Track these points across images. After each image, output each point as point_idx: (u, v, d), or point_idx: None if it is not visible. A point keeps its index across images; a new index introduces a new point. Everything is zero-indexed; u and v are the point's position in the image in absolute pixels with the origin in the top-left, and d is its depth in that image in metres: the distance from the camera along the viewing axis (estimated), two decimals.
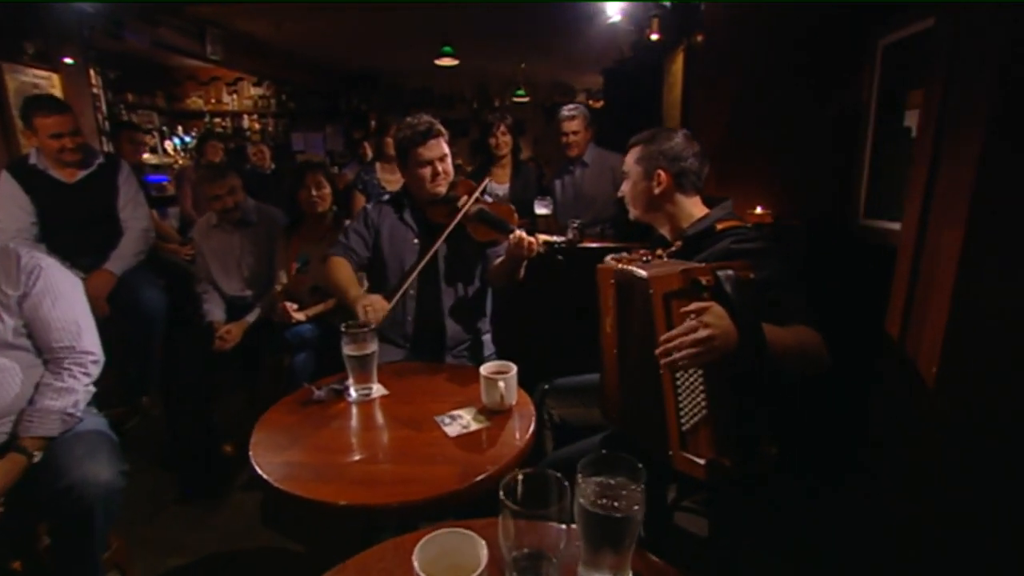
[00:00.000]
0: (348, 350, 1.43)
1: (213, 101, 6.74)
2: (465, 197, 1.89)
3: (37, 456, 1.35)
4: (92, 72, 3.16)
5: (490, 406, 1.35)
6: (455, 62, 4.95)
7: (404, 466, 1.15)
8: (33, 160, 2.37)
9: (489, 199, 2.00)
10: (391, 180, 3.10)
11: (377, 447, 1.28)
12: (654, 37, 2.85)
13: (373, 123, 7.03)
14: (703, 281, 1.15)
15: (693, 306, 1.11)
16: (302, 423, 1.35)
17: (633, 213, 1.57)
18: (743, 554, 1.39)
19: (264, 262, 2.53)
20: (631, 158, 1.53)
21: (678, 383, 1.15)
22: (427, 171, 1.85)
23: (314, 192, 2.36)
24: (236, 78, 6.73)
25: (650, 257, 1.43)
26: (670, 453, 1.15)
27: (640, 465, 0.74)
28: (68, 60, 3.05)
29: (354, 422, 1.39)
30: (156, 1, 3.90)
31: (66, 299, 1.50)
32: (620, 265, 1.35)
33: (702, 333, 1.06)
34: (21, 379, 1.40)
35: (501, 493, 0.70)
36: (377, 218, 1.98)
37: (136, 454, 2.44)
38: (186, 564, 1.90)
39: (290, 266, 2.45)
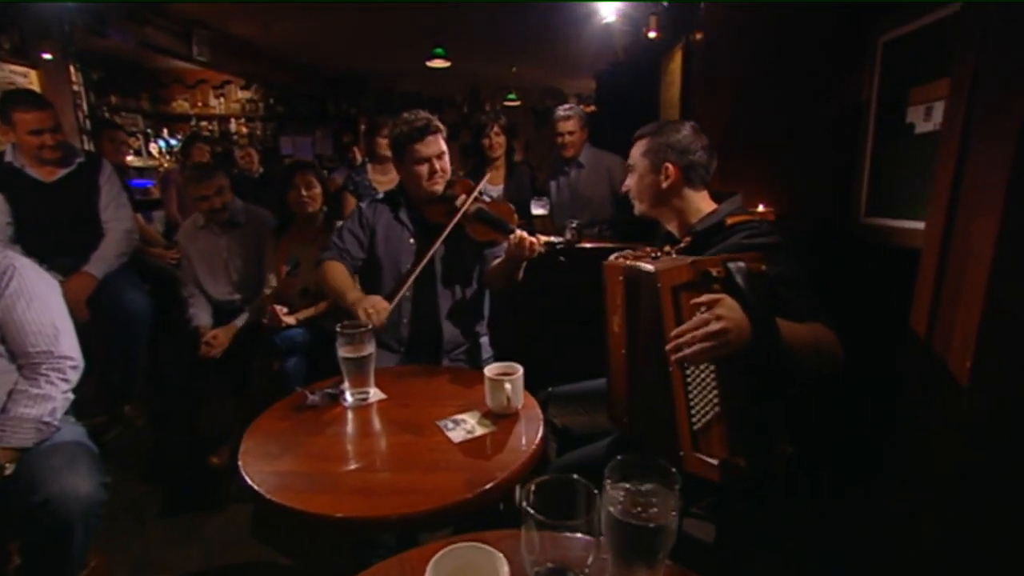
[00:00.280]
0: (344, 352, 1.36)
1: (200, 104, 6.63)
2: (464, 196, 1.83)
3: (9, 468, 1.27)
4: (72, 69, 3.05)
5: (495, 409, 1.28)
6: (447, 64, 4.90)
7: (406, 474, 1.08)
8: (9, 157, 2.28)
9: (487, 199, 1.95)
10: (383, 181, 3.04)
11: (376, 454, 1.20)
12: (652, 35, 2.83)
13: (363, 127, 6.97)
14: (714, 272, 1.12)
15: (704, 298, 1.07)
16: (295, 430, 1.27)
17: (639, 208, 1.53)
18: (751, 561, 1.34)
19: (252, 265, 2.46)
20: (637, 151, 1.49)
21: (689, 380, 1.12)
22: (424, 168, 1.80)
23: (304, 192, 2.30)
24: (223, 81, 6.63)
25: (658, 254, 1.40)
26: (681, 454, 1.11)
27: (674, 469, 0.68)
28: (47, 56, 2.95)
29: (351, 428, 1.31)
30: (138, 1, 3.82)
31: (42, 301, 1.42)
32: (627, 261, 1.31)
33: (715, 326, 1.02)
34: None
35: (523, 502, 0.63)
36: (372, 217, 1.92)
37: (118, 465, 2.37)
38: None
39: (279, 269, 2.38)
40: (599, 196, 3.13)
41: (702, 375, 1.11)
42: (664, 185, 1.41)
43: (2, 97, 2.25)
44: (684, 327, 1.06)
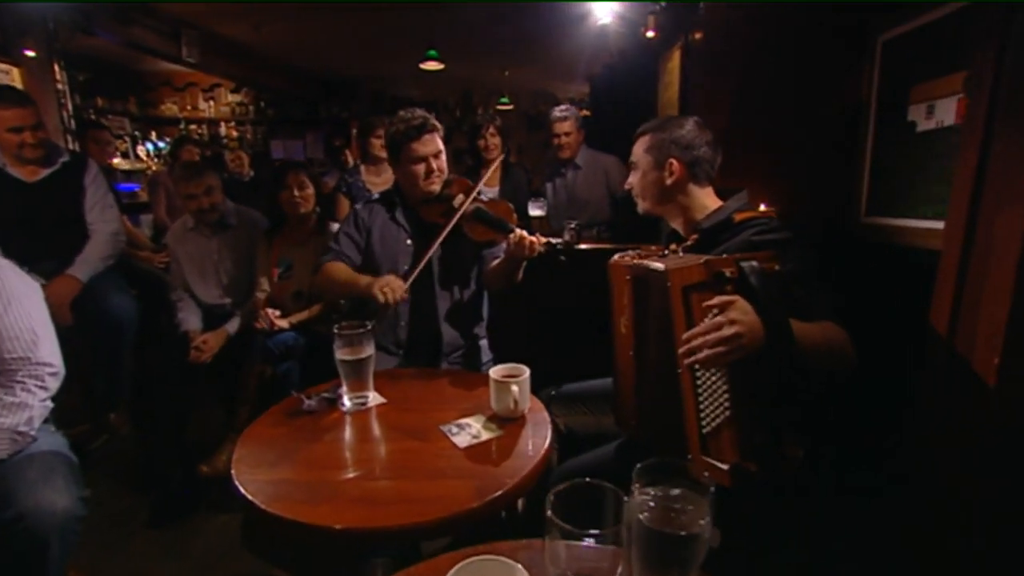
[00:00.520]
0: (341, 354, 1.30)
1: (189, 108, 6.55)
2: (461, 196, 1.80)
3: None
4: (57, 67, 2.96)
5: (501, 413, 1.23)
6: (441, 66, 4.86)
7: (410, 482, 1.02)
8: None
9: (484, 198, 1.91)
10: (377, 182, 3.00)
11: (377, 461, 1.14)
12: (650, 34, 2.81)
13: (354, 130, 6.92)
14: (727, 273, 1.08)
15: (717, 300, 1.04)
16: (291, 436, 1.21)
17: (643, 206, 1.49)
18: (760, 564, 1.30)
19: (244, 267, 2.40)
20: (640, 148, 1.45)
21: (699, 383, 1.09)
22: (421, 168, 1.76)
23: (296, 192, 2.24)
24: (213, 84, 6.55)
25: (665, 252, 1.36)
26: (689, 457, 1.08)
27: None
28: (30, 53, 2.86)
29: (350, 434, 1.25)
30: (125, 1, 3.74)
31: (20, 304, 1.35)
32: (635, 260, 1.27)
33: (728, 330, 0.99)
34: None
35: (549, 510, 0.58)
36: (367, 219, 1.88)
37: (103, 475, 2.30)
38: None
39: (271, 271, 2.31)
40: (596, 198, 3.11)
41: (713, 377, 1.08)
42: (668, 182, 1.38)
43: None
44: (696, 330, 1.03)
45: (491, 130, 3.10)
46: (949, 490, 1.06)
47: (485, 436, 1.16)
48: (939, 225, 1.52)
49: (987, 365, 0.94)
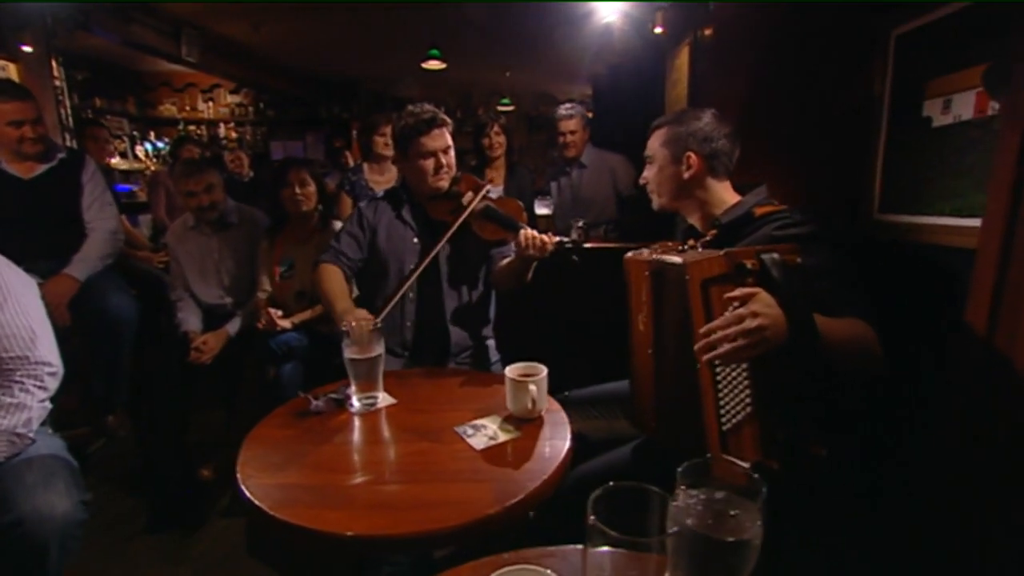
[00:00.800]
0: (350, 353, 1.25)
1: (188, 108, 6.50)
2: (471, 193, 1.76)
3: None
4: (54, 63, 2.91)
5: (517, 414, 1.19)
6: (443, 65, 4.83)
7: (425, 485, 0.97)
8: None
9: (493, 195, 1.87)
10: (380, 181, 2.96)
11: (390, 464, 1.09)
12: (658, 31, 2.77)
13: (355, 131, 6.89)
14: (748, 265, 1.05)
15: (738, 292, 1.00)
16: (299, 438, 1.16)
17: (659, 202, 1.45)
18: (781, 564, 1.25)
19: (245, 267, 2.35)
20: (656, 142, 1.42)
21: (718, 378, 1.06)
22: (430, 163, 1.72)
23: (298, 190, 2.19)
24: (212, 85, 6.51)
25: (683, 247, 1.33)
26: (708, 456, 1.02)
27: (756, 475, 0.59)
28: (27, 48, 2.80)
29: (361, 436, 1.20)
30: (125, 1, 3.70)
31: (17, 301, 1.31)
32: (653, 255, 1.24)
33: (751, 323, 0.95)
34: None
35: (592, 515, 0.53)
36: (372, 217, 1.84)
37: (101, 479, 2.25)
38: None
39: (273, 271, 2.27)
40: (602, 197, 3.07)
41: (734, 373, 1.05)
42: (686, 176, 1.35)
43: None
44: (716, 323, 0.99)
45: (495, 128, 3.08)
46: (982, 493, 1.02)
47: (502, 438, 1.12)
48: (957, 221, 1.49)
49: None
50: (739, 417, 1.04)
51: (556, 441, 1.11)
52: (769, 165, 2.40)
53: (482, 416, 1.20)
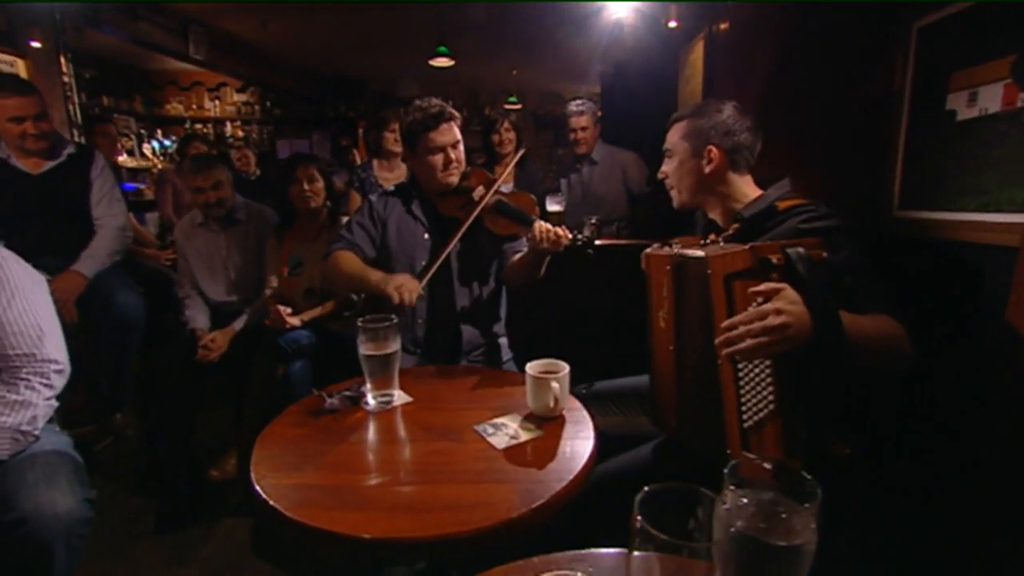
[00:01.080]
0: (365, 349, 1.21)
1: (194, 107, 6.50)
2: (482, 188, 1.73)
3: None
4: (63, 59, 2.89)
5: (538, 412, 1.15)
6: (451, 63, 4.80)
7: (448, 486, 0.94)
8: None
9: (505, 190, 1.84)
10: (389, 178, 2.93)
11: (410, 464, 1.05)
12: (672, 24, 2.74)
13: (361, 130, 6.87)
14: (774, 260, 1.02)
15: (763, 287, 0.97)
16: (314, 437, 1.12)
17: (679, 198, 1.42)
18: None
19: (253, 264, 2.33)
20: (675, 135, 1.39)
21: (741, 375, 1.03)
22: (439, 158, 1.69)
23: (306, 186, 2.17)
24: (219, 83, 6.50)
25: (705, 242, 1.29)
26: (728, 452, 1.03)
27: (809, 476, 0.55)
28: (35, 44, 2.79)
29: (378, 434, 1.16)
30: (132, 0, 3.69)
31: (24, 298, 1.28)
32: (674, 250, 1.21)
33: (774, 320, 0.92)
34: None
35: (639, 516, 0.50)
36: (383, 211, 1.81)
37: (108, 478, 2.23)
38: None
39: (281, 268, 2.24)
40: (613, 194, 3.04)
41: (757, 370, 1.02)
42: (707, 170, 1.32)
43: None
44: (738, 318, 0.97)
45: (506, 125, 3.05)
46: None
47: (524, 437, 1.08)
48: (983, 217, 1.45)
49: None
50: (761, 415, 1.01)
51: (579, 440, 1.07)
52: (785, 161, 2.36)
53: (501, 415, 1.17)
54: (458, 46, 4.75)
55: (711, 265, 1.04)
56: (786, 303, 0.94)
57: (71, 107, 2.94)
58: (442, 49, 4.63)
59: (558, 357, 1.21)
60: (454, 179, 1.73)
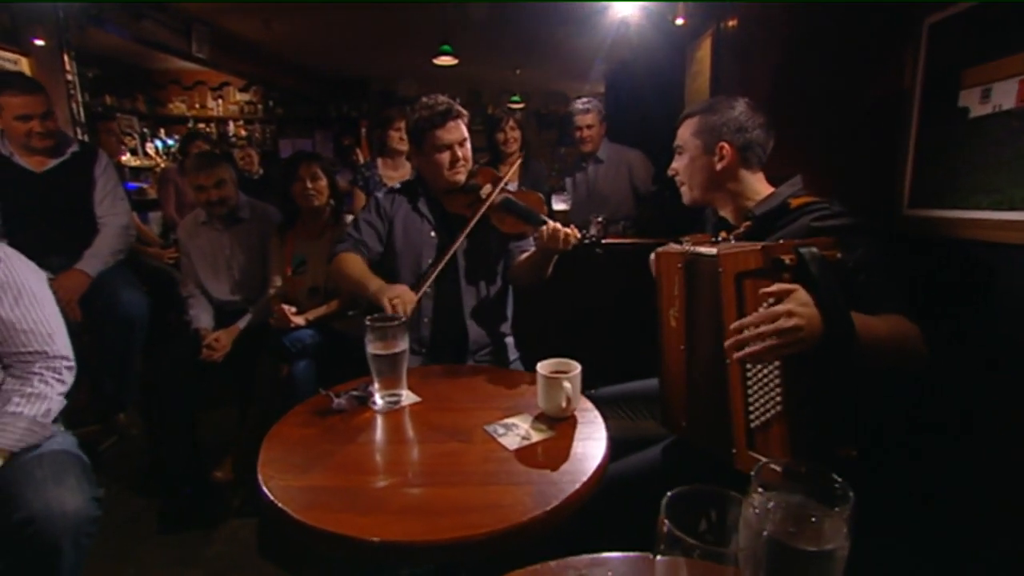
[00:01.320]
0: (373, 348, 1.20)
1: (197, 106, 6.49)
2: (489, 186, 1.71)
3: None
4: (67, 57, 2.88)
5: (550, 413, 1.13)
6: (454, 61, 4.78)
7: (460, 488, 0.92)
8: None
9: (511, 188, 1.82)
10: (394, 176, 2.92)
11: (421, 466, 1.03)
12: (680, 21, 2.72)
13: (363, 129, 6.85)
14: (786, 260, 1.00)
15: (775, 288, 0.96)
16: (321, 438, 1.11)
17: (689, 195, 1.40)
18: None
19: (256, 263, 2.32)
20: (687, 131, 1.37)
21: (749, 374, 1.02)
22: (445, 156, 1.68)
23: (309, 184, 2.16)
24: (221, 83, 6.50)
25: (716, 240, 1.28)
26: (733, 451, 1.02)
27: (840, 480, 0.53)
28: (39, 42, 2.78)
29: (387, 435, 1.15)
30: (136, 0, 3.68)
31: (31, 296, 1.28)
32: (685, 248, 1.19)
33: (786, 323, 0.91)
34: None
35: (667, 520, 0.48)
36: (390, 208, 1.79)
37: (112, 479, 2.21)
38: None
39: (285, 267, 2.23)
40: (619, 193, 3.02)
41: (765, 370, 1.01)
42: (719, 167, 1.31)
43: None
44: (748, 319, 0.95)
45: (511, 123, 3.03)
46: None
47: (535, 437, 1.06)
48: (996, 215, 1.43)
49: None
50: (768, 415, 1.00)
51: (592, 441, 1.05)
52: (794, 159, 2.34)
53: (512, 415, 1.15)
54: (461, 45, 4.74)
55: (722, 263, 1.02)
56: (798, 305, 0.92)
57: (74, 105, 2.93)
58: (446, 48, 4.62)
59: (565, 356, 1.20)
60: (461, 177, 1.71)
